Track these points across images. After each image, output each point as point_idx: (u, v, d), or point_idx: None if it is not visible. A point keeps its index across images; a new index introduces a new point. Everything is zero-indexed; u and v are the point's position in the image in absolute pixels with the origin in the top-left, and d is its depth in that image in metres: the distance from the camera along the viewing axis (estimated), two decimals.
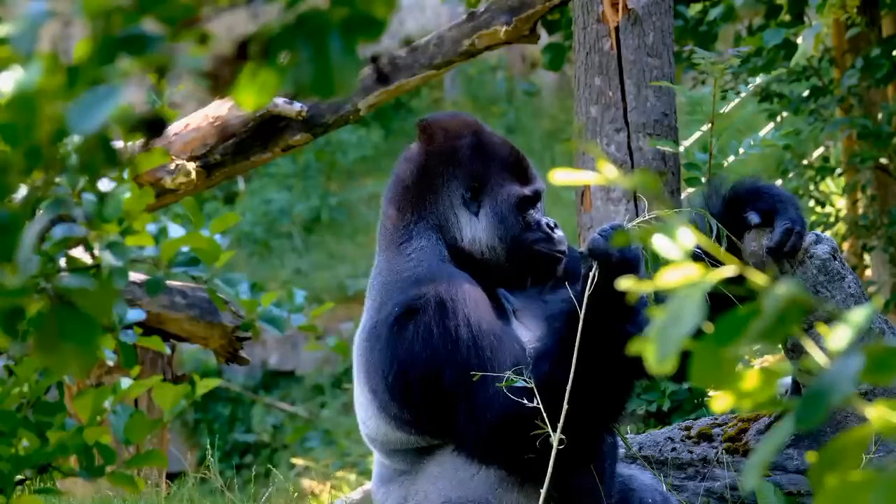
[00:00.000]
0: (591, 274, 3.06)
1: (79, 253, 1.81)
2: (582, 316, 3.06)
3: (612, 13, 5.16)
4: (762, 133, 5.33)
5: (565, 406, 3.05)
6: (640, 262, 3.11)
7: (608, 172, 1.49)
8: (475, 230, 3.43)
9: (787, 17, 7.38)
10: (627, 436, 4.01)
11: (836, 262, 3.49)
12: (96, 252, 1.78)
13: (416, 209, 3.45)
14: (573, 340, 3.07)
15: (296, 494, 5.11)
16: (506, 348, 3.21)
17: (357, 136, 14.86)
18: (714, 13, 7.58)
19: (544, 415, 3.09)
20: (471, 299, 3.24)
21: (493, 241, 3.42)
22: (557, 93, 15.04)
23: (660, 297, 3.22)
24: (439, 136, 3.48)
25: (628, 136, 5.11)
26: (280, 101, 5.73)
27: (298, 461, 9.90)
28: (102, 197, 1.79)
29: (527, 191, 3.44)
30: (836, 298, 3.47)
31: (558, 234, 3.45)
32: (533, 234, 3.43)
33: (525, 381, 3.11)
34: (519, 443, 3.16)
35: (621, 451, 3.85)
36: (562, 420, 3.07)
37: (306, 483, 7.82)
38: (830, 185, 8.54)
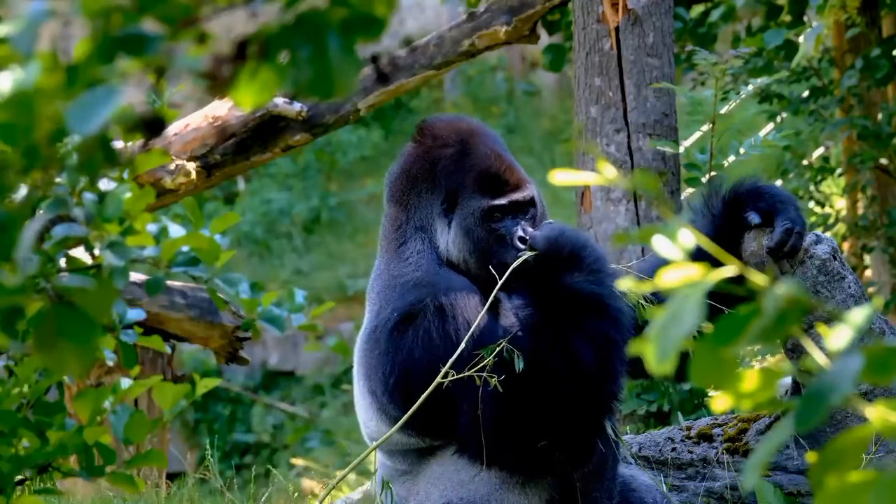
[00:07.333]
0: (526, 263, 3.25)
1: (79, 253, 1.81)
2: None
3: (612, 13, 5.16)
4: (762, 133, 5.32)
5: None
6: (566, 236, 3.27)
7: (608, 172, 1.49)
8: (447, 242, 3.42)
9: (787, 18, 7.39)
10: (627, 436, 4.01)
11: (836, 263, 3.49)
12: (96, 252, 1.78)
13: (406, 210, 3.47)
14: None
15: (296, 494, 5.11)
16: None
17: (357, 136, 14.87)
18: (715, 15, 7.59)
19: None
20: (470, 303, 3.24)
21: (463, 254, 3.40)
22: (557, 93, 15.04)
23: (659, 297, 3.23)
24: (427, 142, 3.48)
25: (628, 137, 5.11)
26: (280, 101, 5.72)
27: (298, 461, 9.89)
28: (102, 197, 1.79)
29: (496, 202, 3.38)
30: (836, 299, 3.47)
31: None
32: (502, 247, 3.39)
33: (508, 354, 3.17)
34: (521, 443, 3.17)
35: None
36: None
37: (306, 483, 7.81)
38: (830, 185, 8.55)
